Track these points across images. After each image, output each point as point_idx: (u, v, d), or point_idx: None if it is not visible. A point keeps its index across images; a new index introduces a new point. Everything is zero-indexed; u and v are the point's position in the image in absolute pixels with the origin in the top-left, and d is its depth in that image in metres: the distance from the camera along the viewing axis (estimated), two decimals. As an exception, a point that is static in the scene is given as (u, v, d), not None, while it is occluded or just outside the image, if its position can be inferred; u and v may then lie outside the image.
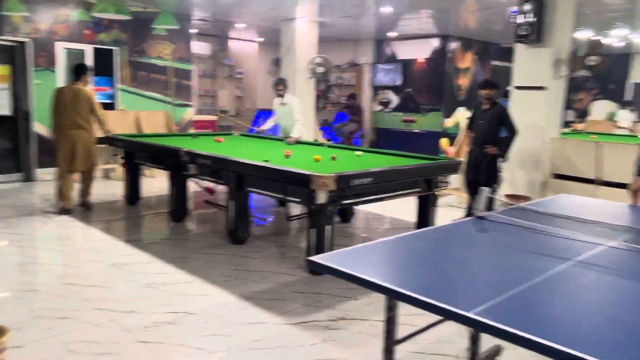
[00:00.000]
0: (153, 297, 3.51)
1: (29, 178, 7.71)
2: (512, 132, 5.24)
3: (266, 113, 12.53)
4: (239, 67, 12.91)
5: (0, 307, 3.30)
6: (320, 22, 9.20)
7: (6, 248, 4.53)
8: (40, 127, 7.67)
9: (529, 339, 1.34)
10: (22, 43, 7.45)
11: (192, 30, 9.86)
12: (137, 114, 8.37)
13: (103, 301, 3.40)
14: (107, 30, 8.23)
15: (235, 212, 4.68)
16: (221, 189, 6.84)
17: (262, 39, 12.76)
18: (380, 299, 3.52)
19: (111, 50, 8.31)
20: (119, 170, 7.61)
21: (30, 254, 4.40)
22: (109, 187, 7.35)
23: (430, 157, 5.08)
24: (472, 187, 5.58)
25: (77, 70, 5.81)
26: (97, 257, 4.31)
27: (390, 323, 1.96)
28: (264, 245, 4.82)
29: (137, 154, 5.95)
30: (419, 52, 11.06)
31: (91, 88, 5.95)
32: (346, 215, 5.79)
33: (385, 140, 11.67)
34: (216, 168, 4.72)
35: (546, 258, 2.02)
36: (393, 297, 1.80)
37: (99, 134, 6.02)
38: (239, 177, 4.56)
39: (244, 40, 12.76)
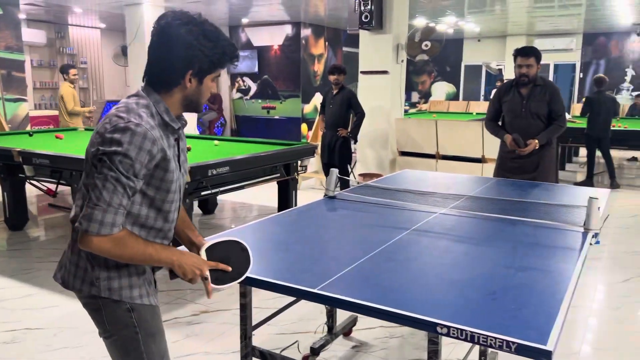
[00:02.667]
0: (-13, 317, 3.12)
1: None
2: (360, 114, 5.56)
3: (115, 104, 11.72)
4: (82, 55, 11.86)
5: None
6: (167, 7, 8.77)
7: None
8: None
9: (359, 304, 1.44)
10: None
11: (22, 16, 8.80)
12: (-42, 111, 7.30)
13: None
14: None
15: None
16: (67, 190, 6.27)
17: (104, 25, 11.84)
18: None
19: None
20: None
21: None
22: None
23: (287, 143, 5.17)
24: (328, 169, 5.81)
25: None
26: None
27: (245, 309, 1.97)
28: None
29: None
30: (273, 38, 11.13)
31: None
32: (208, 207, 5.67)
33: (247, 128, 11.62)
34: (56, 168, 4.30)
35: (387, 229, 2.17)
36: (245, 284, 1.81)
37: None
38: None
39: (85, 26, 11.73)
